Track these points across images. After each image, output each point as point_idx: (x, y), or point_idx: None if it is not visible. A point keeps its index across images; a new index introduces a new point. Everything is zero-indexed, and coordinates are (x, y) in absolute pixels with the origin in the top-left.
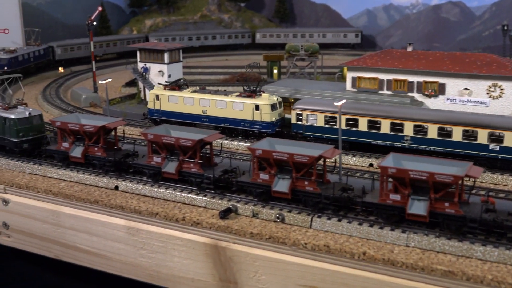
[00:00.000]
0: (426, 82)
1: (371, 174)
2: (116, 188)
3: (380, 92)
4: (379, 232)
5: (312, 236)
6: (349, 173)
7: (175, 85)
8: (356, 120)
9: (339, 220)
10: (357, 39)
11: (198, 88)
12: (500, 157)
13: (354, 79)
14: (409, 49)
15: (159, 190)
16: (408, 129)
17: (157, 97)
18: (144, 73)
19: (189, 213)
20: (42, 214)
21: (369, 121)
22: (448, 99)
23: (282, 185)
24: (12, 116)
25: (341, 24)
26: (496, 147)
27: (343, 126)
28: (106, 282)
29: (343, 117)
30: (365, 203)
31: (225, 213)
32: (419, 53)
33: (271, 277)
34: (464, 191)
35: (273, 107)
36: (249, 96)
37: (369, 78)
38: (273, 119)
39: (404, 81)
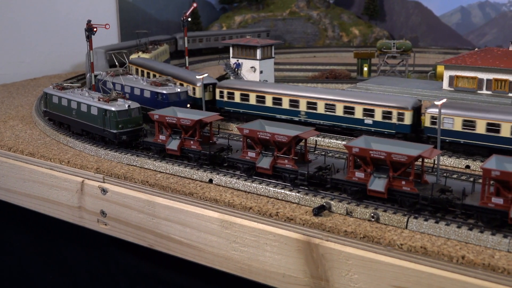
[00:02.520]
0: None
1: (468, 176)
2: (210, 181)
3: (479, 91)
4: (479, 236)
5: (408, 237)
6: (445, 174)
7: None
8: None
9: (437, 222)
10: (267, 37)
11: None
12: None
13: (451, 78)
14: (511, 47)
15: (253, 184)
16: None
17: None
18: (236, 69)
19: (282, 209)
20: (138, 204)
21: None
22: None
23: (378, 184)
24: (113, 109)
25: (433, 22)
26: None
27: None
28: (197, 273)
29: None
30: (465, 205)
31: (319, 210)
32: None
33: (364, 277)
34: None
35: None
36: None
37: (467, 77)
38: None
39: (505, 80)
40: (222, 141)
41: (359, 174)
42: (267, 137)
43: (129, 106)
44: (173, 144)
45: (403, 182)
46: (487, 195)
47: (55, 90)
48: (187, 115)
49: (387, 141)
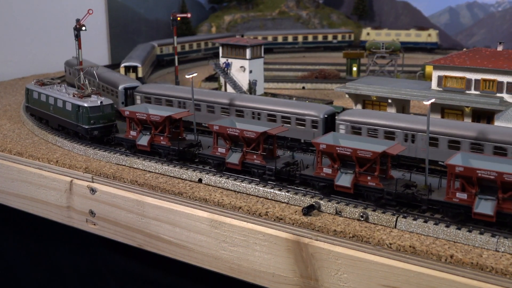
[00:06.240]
0: None
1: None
2: (200, 181)
3: (467, 92)
4: (467, 235)
5: (397, 237)
6: (411, 170)
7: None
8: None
9: (425, 222)
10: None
11: None
12: None
13: (440, 78)
14: (499, 48)
15: (242, 184)
16: None
17: None
18: (225, 69)
19: (271, 208)
20: (128, 203)
21: None
22: None
23: (345, 180)
24: (85, 104)
25: (422, 22)
26: None
27: None
28: (186, 273)
29: None
30: (431, 200)
31: (308, 210)
32: (510, 53)
33: (353, 276)
34: None
35: None
36: None
37: (456, 77)
38: None
39: (494, 81)
40: (192, 137)
41: (327, 170)
42: (236, 133)
43: (101, 102)
44: (143, 140)
45: (369, 178)
46: (452, 191)
47: (35, 86)
48: (157, 111)
49: (355, 137)
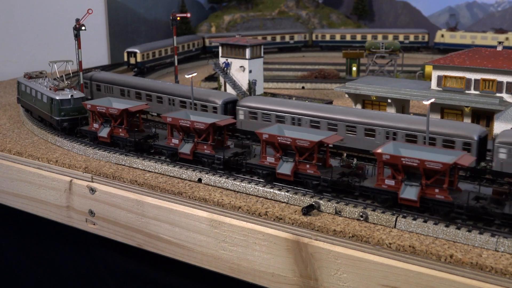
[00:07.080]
0: None
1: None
2: (199, 180)
3: (466, 91)
4: (467, 235)
5: (396, 236)
6: (350, 159)
7: None
8: None
9: (425, 221)
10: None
11: None
12: None
13: (439, 78)
14: (499, 48)
15: (242, 184)
16: None
17: None
18: (225, 68)
19: (271, 208)
20: (127, 203)
21: None
22: None
23: (285, 168)
24: (57, 97)
25: (422, 22)
26: None
27: None
28: (186, 273)
29: None
30: (362, 187)
31: (308, 210)
32: (509, 52)
33: (353, 276)
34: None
35: None
36: None
37: (455, 77)
38: None
39: (493, 81)
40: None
41: (270, 159)
42: (188, 125)
43: (72, 95)
44: (104, 132)
45: (308, 166)
46: (381, 178)
47: (24, 79)
48: (116, 104)
49: (298, 128)
